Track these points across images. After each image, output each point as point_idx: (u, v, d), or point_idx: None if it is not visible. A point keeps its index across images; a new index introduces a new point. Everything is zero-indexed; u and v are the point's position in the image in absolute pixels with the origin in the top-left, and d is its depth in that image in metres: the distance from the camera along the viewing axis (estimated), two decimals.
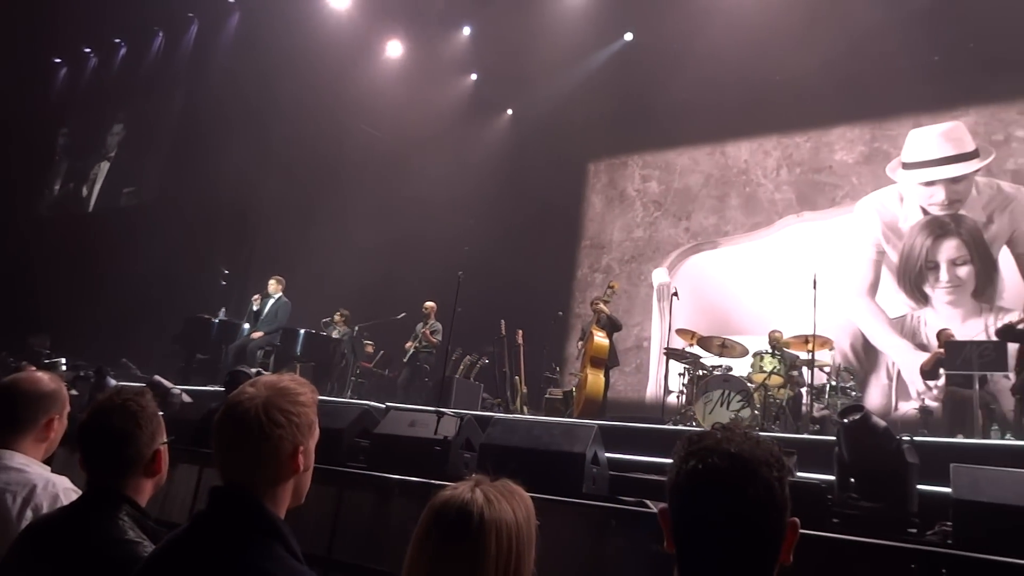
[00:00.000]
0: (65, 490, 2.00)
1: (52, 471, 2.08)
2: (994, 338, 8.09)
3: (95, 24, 14.15)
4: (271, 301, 9.38)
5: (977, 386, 6.57)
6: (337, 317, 10.12)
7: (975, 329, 8.88)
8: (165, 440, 1.87)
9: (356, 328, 10.39)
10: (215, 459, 1.45)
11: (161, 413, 1.92)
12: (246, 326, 9.58)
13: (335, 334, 9.92)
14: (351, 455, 4.42)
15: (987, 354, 6.38)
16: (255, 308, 9.32)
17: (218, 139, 11.68)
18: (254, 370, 5.42)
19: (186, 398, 5.50)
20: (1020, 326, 6.29)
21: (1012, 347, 6.33)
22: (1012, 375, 6.39)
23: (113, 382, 5.66)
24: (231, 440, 1.42)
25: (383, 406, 5.98)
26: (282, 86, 11.67)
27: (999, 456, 4.23)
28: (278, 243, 11.58)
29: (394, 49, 12.79)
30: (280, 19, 11.67)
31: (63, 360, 7.96)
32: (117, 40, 15.14)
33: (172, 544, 1.41)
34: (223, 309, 10.16)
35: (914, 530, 3.25)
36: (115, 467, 1.77)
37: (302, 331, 9.26)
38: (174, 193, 12.58)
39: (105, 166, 15.21)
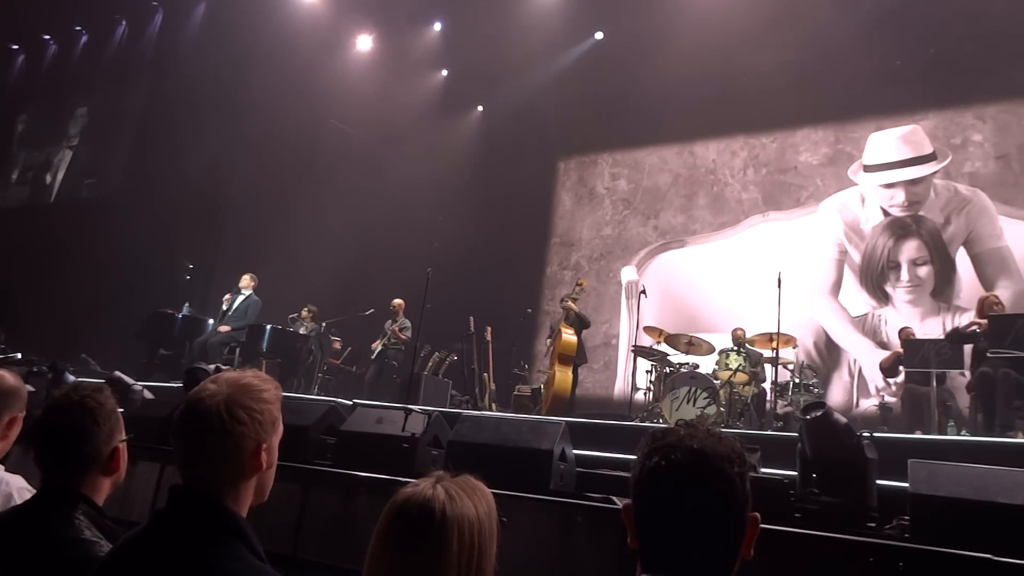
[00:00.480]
0: (19, 489, 1.95)
1: (5, 470, 2.03)
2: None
3: (54, 12, 13.78)
4: (241, 297, 9.24)
5: (935, 384, 6.75)
6: (304, 313, 10.02)
7: (934, 328, 9.10)
8: (124, 438, 1.83)
9: (324, 324, 10.29)
10: (175, 457, 1.42)
11: (121, 410, 1.88)
12: (211, 321, 9.43)
13: (302, 330, 9.81)
14: (317, 452, 4.37)
15: (944, 352, 6.56)
16: (225, 307, 9.19)
17: (184, 131, 11.46)
18: (212, 366, 5.33)
19: (148, 395, 5.40)
20: (968, 329, 6.47)
21: (967, 346, 6.51)
22: (967, 372, 6.57)
23: (72, 378, 5.52)
24: (192, 438, 1.40)
25: (350, 403, 5.93)
26: (250, 78, 11.49)
27: (955, 452, 4.35)
28: (245, 238, 11.40)
29: (364, 43, 12.68)
30: (248, 10, 11.48)
31: (18, 355, 7.74)
32: (78, 28, 14.76)
33: (130, 544, 1.38)
34: (187, 304, 9.98)
35: (873, 524, 3.32)
36: (71, 465, 1.73)
37: (268, 327, 9.15)
38: (138, 184, 12.30)
39: (67, 155, 14.81)
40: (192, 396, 1.42)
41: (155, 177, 11.89)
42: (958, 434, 6.59)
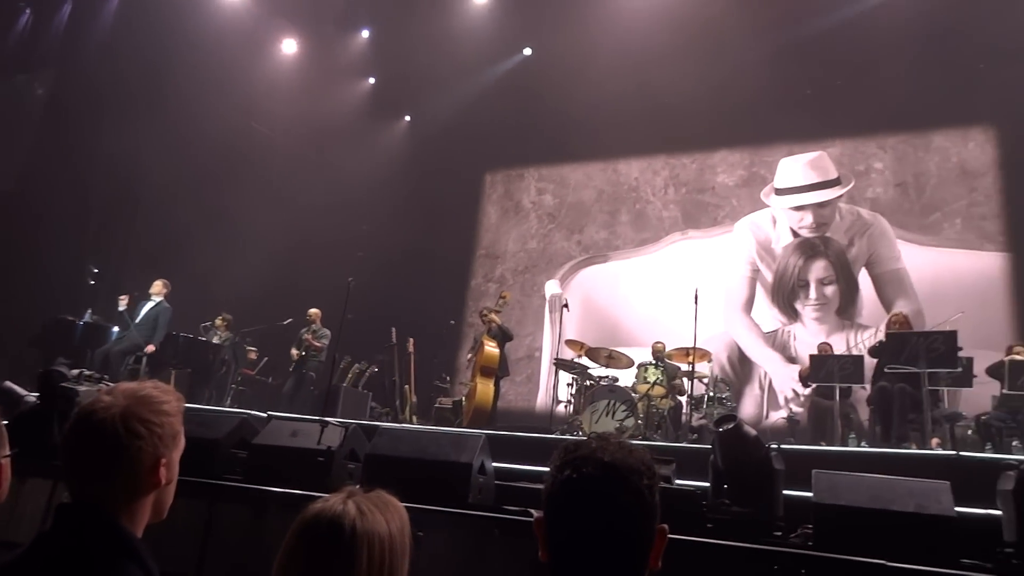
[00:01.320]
0: None
1: None
2: (854, 352, 8.80)
3: None
4: (150, 304, 8.70)
5: (838, 397, 7.10)
6: (219, 322, 9.63)
7: (838, 344, 9.59)
8: (8, 452, 1.70)
9: (239, 334, 9.93)
10: (64, 473, 1.33)
11: (5, 422, 1.75)
12: (115, 329, 8.90)
13: (216, 339, 9.42)
14: (227, 467, 4.20)
15: (846, 367, 6.93)
16: (122, 308, 8.60)
17: (91, 128, 10.86)
18: (76, 371, 5.02)
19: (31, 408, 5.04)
20: (878, 344, 6.83)
21: (869, 361, 6.88)
22: (868, 387, 6.93)
23: None
24: (83, 452, 1.31)
25: (264, 415, 5.74)
26: (167, 76, 11.02)
27: (856, 462, 4.57)
28: (156, 241, 10.89)
29: (290, 47, 12.41)
30: (168, 4, 11.04)
31: None
32: None
33: (8, 568, 1.27)
34: (89, 311, 9.40)
35: (779, 533, 3.44)
36: None
37: (179, 335, 8.74)
38: (38, 182, 11.57)
39: None
40: (84, 408, 1.34)
41: (58, 174, 11.21)
42: (858, 445, 6.93)
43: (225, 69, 11.38)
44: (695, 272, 10.53)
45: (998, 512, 3.34)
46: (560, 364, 8.56)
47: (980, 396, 7.20)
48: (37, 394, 4.79)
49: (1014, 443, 6.06)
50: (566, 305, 9.17)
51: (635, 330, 10.99)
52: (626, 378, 8.34)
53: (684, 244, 11.50)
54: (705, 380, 8.29)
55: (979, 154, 9.90)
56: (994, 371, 6.99)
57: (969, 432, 7.12)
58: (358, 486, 1.32)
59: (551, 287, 12.27)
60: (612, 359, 8.43)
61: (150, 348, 8.45)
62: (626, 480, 1.09)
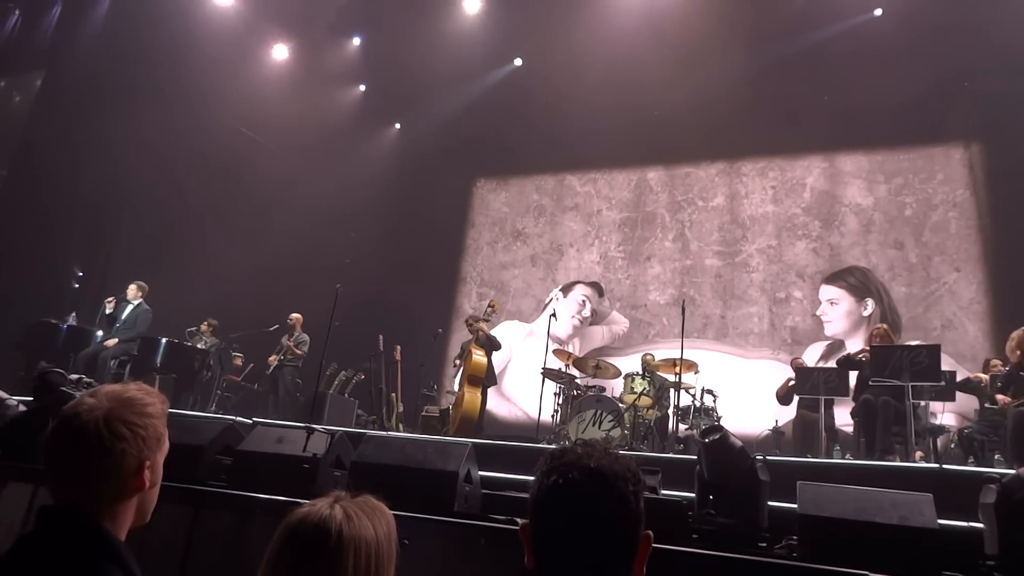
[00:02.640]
0: None
1: None
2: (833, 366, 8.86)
3: None
4: (129, 307, 8.66)
5: (823, 409, 7.14)
6: (204, 327, 9.57)
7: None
8: None
9: (224, 340, 9.87)
10: (47, 476, 1.32)
11: None
12: (99, 333, 8.82)
13: (201, 345, 9.35)
14: (211, 473, 4.17)
15: (831, 380, 6.98)
16: (108, 311, 8.56)
17: (79, 130, 10.79)
18: (74, 376, 4.99)
19: (24, 410, 4.98)
20: (857, 357, 6.89)
21: (852, 373, 6.92)
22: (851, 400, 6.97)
23: None
24: (66, 455, 1.30)
25: (250, 421, 5.70)
26: (156, 79, 10.96)
27: (840, 474, 4.59)
28: (142, 245, 10.82)
29: (280, 52, 12.40)
30: (157, 8, 11.00)
31: None
32: None
33: None
34: (73, 314, 9.31)
35: (764, 544, 3.45)
36: None
37: (163, 340, 8.66)
38: (24, 184, 11.48)
39: None
40: (67, 410, 1.33)
41: (43, 176, 11.12)
42: (843, 457, 6.96)
43: (215, 73, 11.35)
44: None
45: (980, 525, 3.37)
46: (547, 374, 8.55)
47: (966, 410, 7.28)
48: (23, 398, 4.73)
49: (996, 456, 6.10)
50: (554, 315, 9.17)
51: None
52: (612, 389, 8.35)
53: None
54: (692, 391, 8.31)
55: (960, 170, 10.04)
56: (964, 385, 7.08)
57: (952, 445, 7.18)
58: (343, 492, 1.31)
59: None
60: (599, 369, 8.44)
61: (111, 342, 8.37)
62: (612, 486, 1.09)
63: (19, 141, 12.27)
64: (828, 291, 10.37)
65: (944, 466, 4.73)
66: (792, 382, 8.14)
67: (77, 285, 10.54)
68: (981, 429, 6.39)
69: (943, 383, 6.34)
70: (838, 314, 10.23)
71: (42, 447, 1.34)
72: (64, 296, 10.26)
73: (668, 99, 10.44)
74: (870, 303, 10.07)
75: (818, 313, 10.36)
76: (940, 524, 3.09)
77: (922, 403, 6.60)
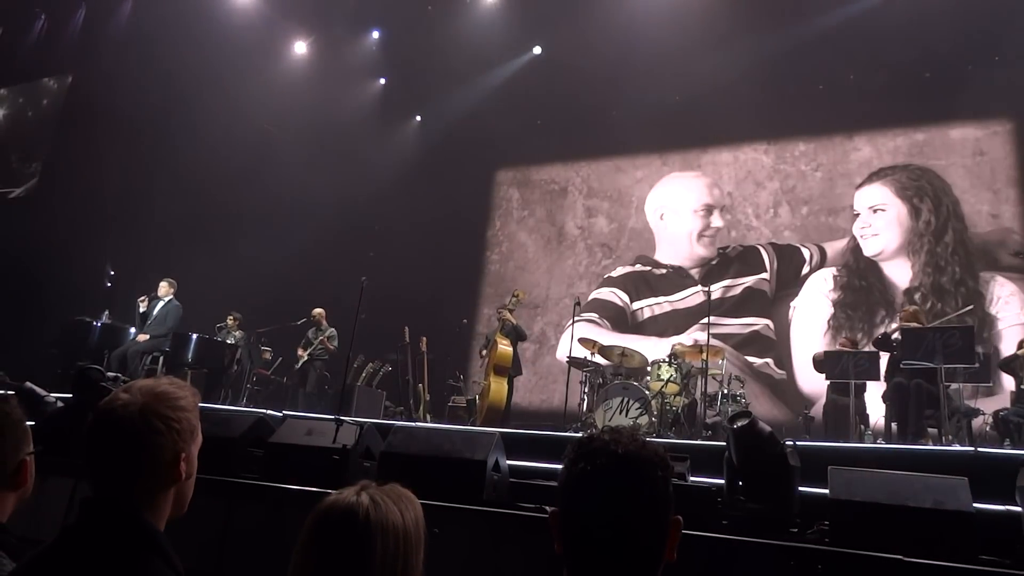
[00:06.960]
0: None
1: None
2: (870, 348, 8.69)
3: None
4: (160, 304, 8.84)
5: (853, 394, 7.05)
6: (230, 320, 9.71)
7: None
8: (31, 450, 1.73)
9: (253, 334, 10.01)
10: (87, 470, 1.35)
11: (32, 423, 1.78)
12: (132, 330, 9.00)
13: (230, 339, 9.50)
14: (244, 465, 4.24)
15: (861, 364, 6.87)
16: (142, 310, 8.76)
17: (107, 130, 10.98)
18: (111, 374, 5.09)
19: (61, 406, 5.11)
20: (892, 336, 6.75)
21: (883, 357, 6.82)
22: (883, 383, 6.87)
23: None
24: (105, 449, 1.34)
25: (279, 414, 5.78)
26: (180, 78, 11.12)
27: (871, 459, 4.54)
28: (171, 243, 10.99)
29: (300, 49, 12.48)
30: (179, 9, 11.13)
31: None
32: None
33: (35, 561, 1.30)
34: (107, 312, 9.52)
35: (795, 529, 3.43)
36: None
37: (194, 336, 8.81)
38: (55, 186, 11.72)
39: None
40: (104, 406, 1.36)
41: (75, 177, 11.35)
42: (874, 442, 6.88)
43: (237, 71, 11.46)
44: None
45: (1017, 508, 3.31)
46: (573, 362, 8.54)
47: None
48: (62, 395, 4.85)
49: None
50: (578, 303, 9.14)
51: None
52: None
53: None
54: (719, 377, 8.24)
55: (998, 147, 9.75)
56: (1006, 365, 6.92)
57: (987, 428, 7.05)
58: (370, 481, 1.33)
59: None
60: (625, 357, 8.40)
61: (142, 337, 8.52)
62: (640, 471, 1.09)
63: (50, 143, 12.52)
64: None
65: (979, 449, 4.64)
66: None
67: (109, 284, 10.74)
68: (1018, 411, 6.28)
69: (976, 365, 6.22)
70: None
71: (82, 442, 1.37)
72: (98, 294, 10.47)
73: (689, 84, 10.29)
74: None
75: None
76: (976, 508, 3.05)
77: (954, 385, 6.48)
